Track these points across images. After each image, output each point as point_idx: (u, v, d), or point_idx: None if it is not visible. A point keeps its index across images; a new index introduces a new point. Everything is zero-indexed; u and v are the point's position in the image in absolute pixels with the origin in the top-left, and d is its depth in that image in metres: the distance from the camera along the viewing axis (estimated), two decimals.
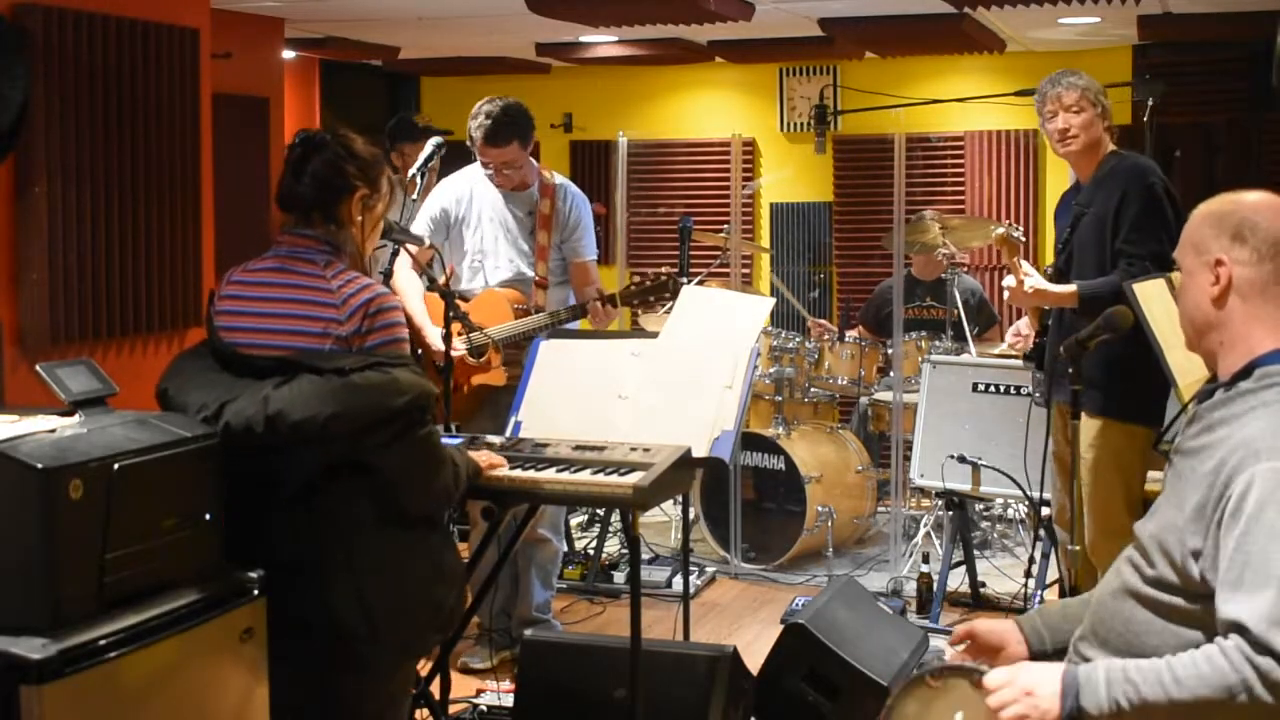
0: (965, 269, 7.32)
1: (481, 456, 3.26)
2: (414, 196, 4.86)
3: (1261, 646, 2.03)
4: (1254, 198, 2.35)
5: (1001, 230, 4.52)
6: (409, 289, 4.63)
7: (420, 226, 4.79)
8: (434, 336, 4.50)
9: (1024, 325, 4.61)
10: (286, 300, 2.89)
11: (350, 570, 2.79)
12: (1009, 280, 4.36)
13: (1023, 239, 4.53)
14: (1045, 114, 4.37)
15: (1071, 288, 4.22)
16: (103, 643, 2.39)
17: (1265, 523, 2.08)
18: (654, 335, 4.01)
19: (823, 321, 7.23)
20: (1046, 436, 4.31)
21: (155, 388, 2.90)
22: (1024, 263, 4.35)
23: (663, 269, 4.65)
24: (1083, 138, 4.31)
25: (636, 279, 4.64)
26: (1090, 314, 3.90)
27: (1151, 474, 4.20)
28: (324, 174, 2.93)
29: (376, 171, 3.00)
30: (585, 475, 3.30)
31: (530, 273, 4.78)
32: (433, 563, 2.94)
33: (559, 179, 4.88)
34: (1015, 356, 6.15)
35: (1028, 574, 5.03)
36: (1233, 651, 2.05)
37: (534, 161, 4.83)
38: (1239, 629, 2.06)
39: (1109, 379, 4.09)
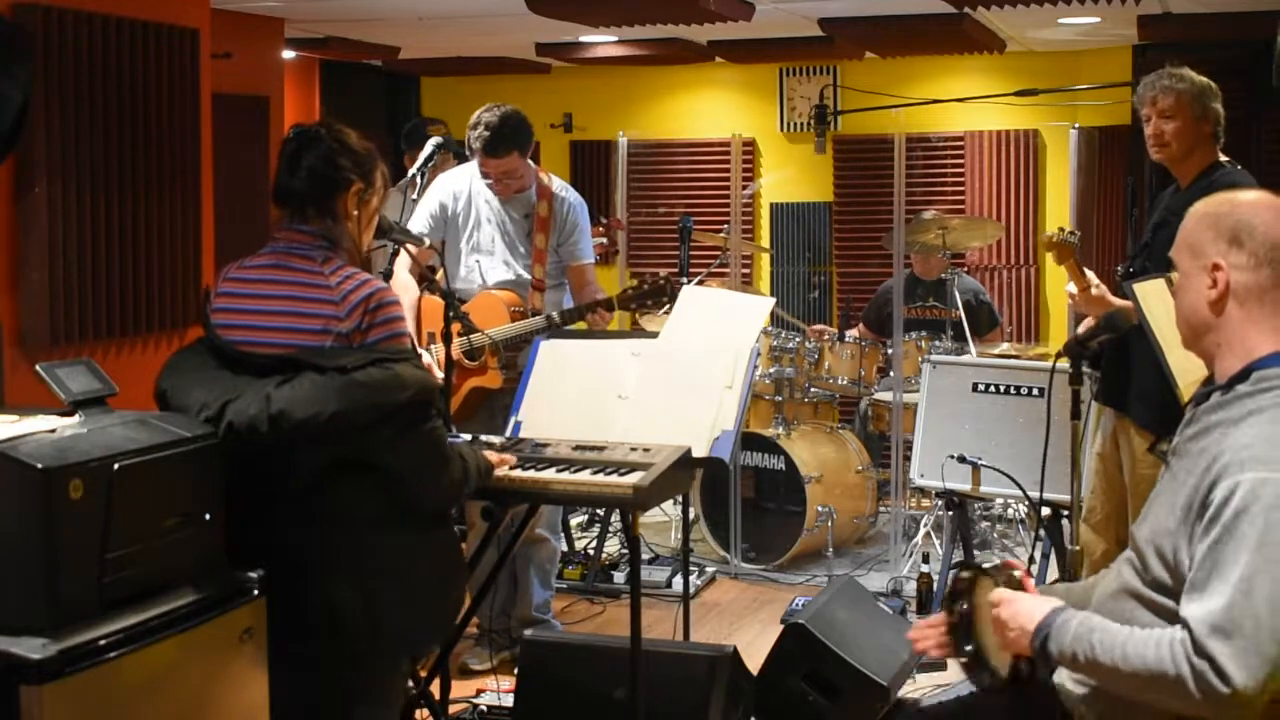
0: (965, 269, 7.32)
1: (491, 456, 3.26)
2: (414, 196, 4.86)
3: (1199, 649, 2.07)
4: (1250, 198, 2.35)
5: (1050, 233, 4.25)
6: (402, 299, 4.57)
7: (419, 223, 4.77)
8: (423, 357, 4.48)
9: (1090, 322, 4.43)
10: (285, 297, 2.88)
11: (353, 568, 2.79)
12: (1071, 287, 4.22)
13: (1077, 241, 4.25)
14: (1143, 114, 4.15)
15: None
16: (103, 643, 2.40)
17: (1239, 532, 2.09)
18: (654, 335, 4.01)
19: (820, 327, 7.22)
20: (1046, 436, 4.28)
21: (154, 387, 2.90)
22: (1088, 271, 4.19)
23: (660, 272, 4.63)
24: (1175, 146, 4.09)
25: (634, 282, 4.64)
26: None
27: None
28: (319, 169, 2.92)
29: (371, 165, 2.99)
30: (585, 475, 3.31)
31: (527, 275, 4.78)
32: (436, 562, 2.94)
33: (556, 182, 4.87)
34: (1016, 356, 6.16)
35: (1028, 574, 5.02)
36: (1177, 645, 2.11)
37: (531, 164, 4.83)
38: (1186, 627, 2.11)
39: (1170, 397, 3.83)
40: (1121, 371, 4.18)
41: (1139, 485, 4.10)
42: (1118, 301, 4.12)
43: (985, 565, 2.64)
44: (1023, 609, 2.38)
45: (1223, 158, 4.17)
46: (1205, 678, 2.05)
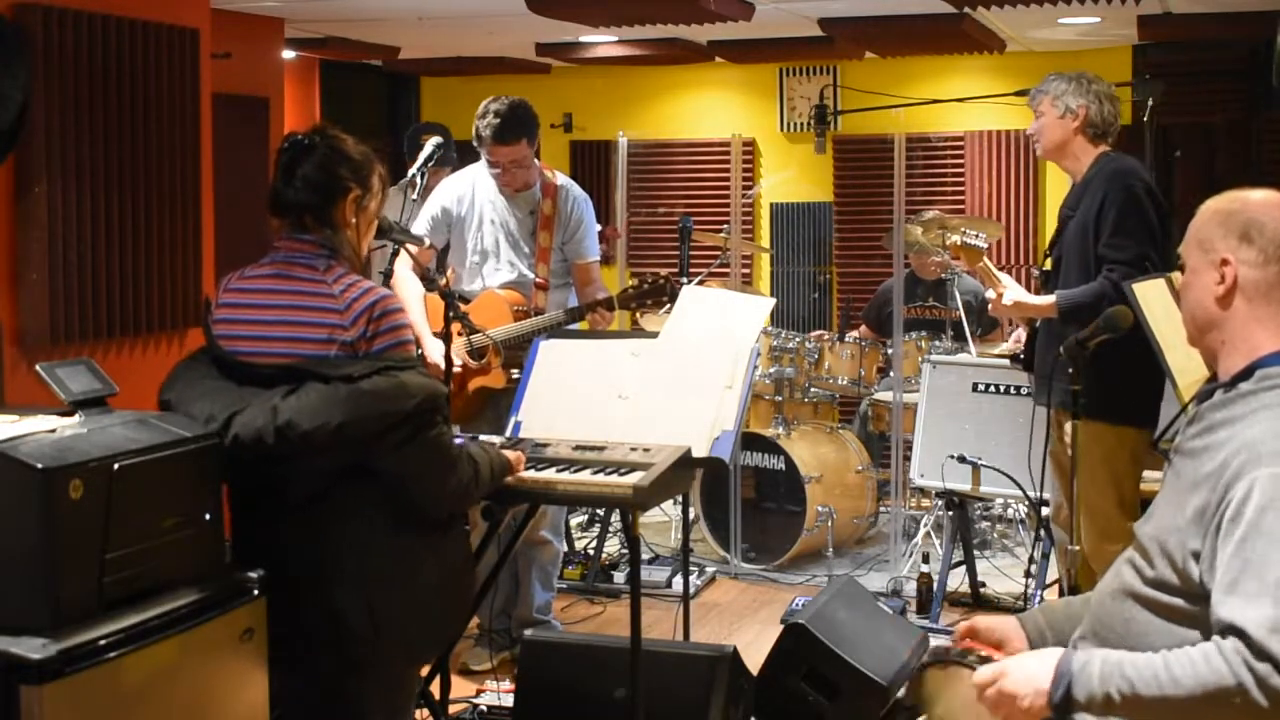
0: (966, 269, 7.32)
1: (510, 455, 3.25)
2: (414, 197, 4.85)
3: (1261, 652, 2.02)
4: (1261, 196, 2.35)
5: (956, 238, 4.40)
6: (409, 295, 4.59)
7: (420, 226, 4.77)
8: (432, 350, 4.48)
9: (1023, 332, 4.58)
10: (289, 307, 2.87)
11: (358, 576, 2.79)
12: (989, 293, 4.32)
13: (983, 245, 4.44)
14: None
15: (1051, 299, 4.15)
16: (103, 643, 2.40)
17: (1265, 528, 2.07)
18: (654, 335, 4.01)
19: (822, 334, 7.21)
20: (1046, 436, 4.30)
21: (157, 399, 2.89)
22: (1002, 274, 4.30)
23: (661, 272, 4.63)
24: (1041, 142, 4.31)
25: (634, 282, 4.63)
26: (1073, 322, 3.88)
27: (1149, 474, 4.17)
28: (315, 177, 2.90)
29: (368, 170, 2.98)
30: (585, 475, 3.31)
31: (531, 274, 4.77)
32: (443, 570, 2.93)
33: (561, 179, 4.86)
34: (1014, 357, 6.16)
35: (1028, 574, 5.03)
36: (1231, 654, 2.04)
37: (536, 161, 4.82)
38: (1237, 633, 2.05)
39: (1097, 381, 3.92)
40: (1038, 364, 4.26)
41: (1080, 473, 4.13)
42: (1036, 301, 4.22)
43: (948, 654, 2.51)
44: (1026, 671, 2.25)
45: (1104, 149, 4.32)
46: (1269, 681, 2.00)
